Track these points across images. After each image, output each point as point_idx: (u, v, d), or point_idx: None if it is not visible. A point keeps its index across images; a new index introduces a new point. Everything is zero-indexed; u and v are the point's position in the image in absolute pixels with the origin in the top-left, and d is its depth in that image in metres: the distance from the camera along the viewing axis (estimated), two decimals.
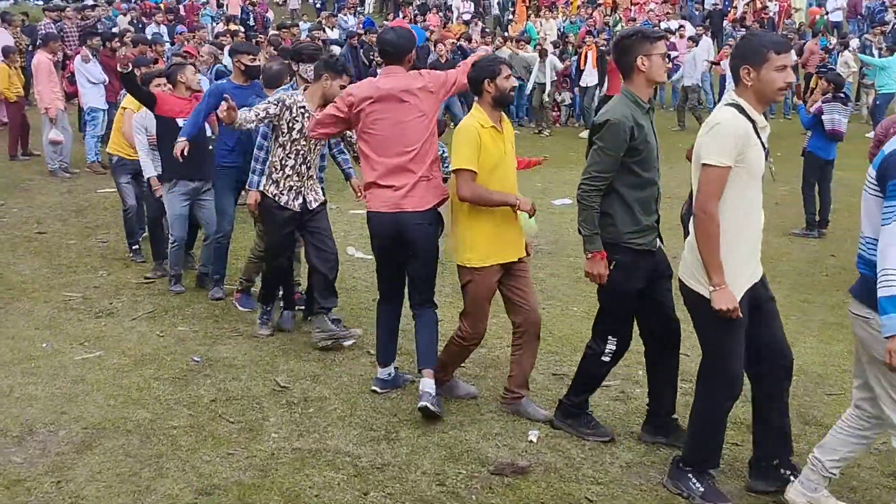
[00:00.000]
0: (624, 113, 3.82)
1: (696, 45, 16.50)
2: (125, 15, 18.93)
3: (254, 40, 13.98)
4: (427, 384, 4.36)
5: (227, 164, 6.14)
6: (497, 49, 15.66)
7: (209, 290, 6.45)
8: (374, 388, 4.73)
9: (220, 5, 22.42)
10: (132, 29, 15.99)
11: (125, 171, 7.09)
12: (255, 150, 5.71)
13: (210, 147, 6.34)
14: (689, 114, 15.88)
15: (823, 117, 8.82)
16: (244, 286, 6.14)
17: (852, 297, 3.35)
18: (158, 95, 6.23)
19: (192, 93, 6.38)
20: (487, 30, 19.15)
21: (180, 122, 6.18)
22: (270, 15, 22.58)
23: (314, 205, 5.26)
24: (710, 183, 3.37)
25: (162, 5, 21.07)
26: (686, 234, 3.73)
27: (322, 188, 5.44)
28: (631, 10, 23.99)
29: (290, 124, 5.05)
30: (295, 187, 5.15)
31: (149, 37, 14.11)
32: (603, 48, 15.68)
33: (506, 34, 18.84)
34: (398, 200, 4.33)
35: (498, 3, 25.62)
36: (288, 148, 5.10)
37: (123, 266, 7.25)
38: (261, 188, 5.27)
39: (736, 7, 23.91)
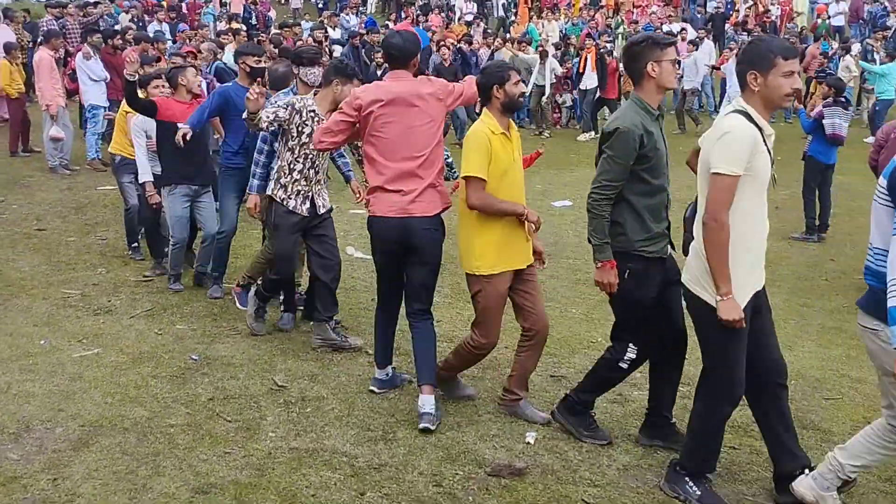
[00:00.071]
0: (633, 121, 3.81)
1: (697, 49, 16.50)
2: (127, 12, 18.93)
3: (255, 39, 13.98)
4: (427, 402, 4.32)
5: (232, 165, 6.14)
6: (496, 50, 15.67)
7: (207, 288, 6.45)
8: (371, 388, 4.73)
9: (222, 4, 22.41)
10: (134, 26, 16.00)
11: (128, 170, 7.08)
12: (255, 153, 5.72)
13: (212, 150, 6.34)
14: (687, 116, 15.88)
15: (824, 122, 8.82)
16: (245, 283, 6.11)
17: (860, 309, 3.33)
18: (158, 102, 6.18)
19: (193, 96, 6.37)
20: (489, 31, 19.12)
21: (181, 126, 6.18)
22: (272, 14, 22.60)
23: (322, 210, 5.25)
24: (720, 191, 3.34)
25: (164, 3, 21.09)
26: (690, 237, 3.71)
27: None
28: (633, 12, 23.99)
29: (300, 128, 5.03)
30: (303, 192, 5.13)
31: (151, 34, 14.10)
32: (603, 50, 15.67)
33: (507, 35, 18.82)
34: (406, 205, 4.28)
35: (503, 5, 25.62)
36: (297, 152, 5.08)
37: (122, 264, 7.24)
38: (268, 192, 5.24)
39: (738, 11, 23.90)
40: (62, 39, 12.75)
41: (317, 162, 5.16)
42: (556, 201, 10.37)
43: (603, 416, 4.55)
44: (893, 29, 20.71)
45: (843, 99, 9.04)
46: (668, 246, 4.00)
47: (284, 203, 5.11)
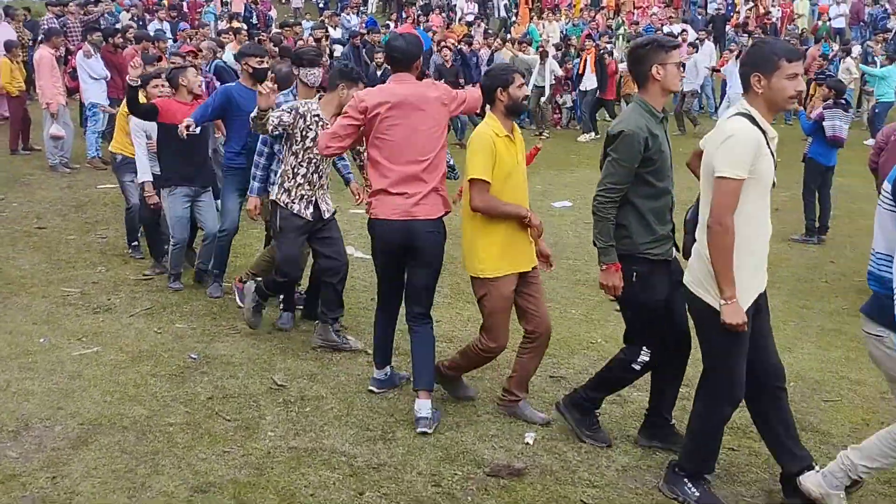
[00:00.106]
0: (638, 123, 3.81)
1: (697, 51, 16.50)
2: (127, 11, 18.92)
3: (256, 38, 13.98)
4: (423, 407, 4.32)
5: (235, 166, 6.13)
6: (496, 51, 15.68)
7: (207, 287, 6.45)
8: (370, 388, 4.74)
9: (223, 3, 22.40)
10: (134, 25, 15.99)
11: (129, 169, 7.06)
12: (255, 156, 5.71)
13: (212, 149, 6.32)
14: (686, 117, 15.88)
15: (824, 123, 8.82)
16: (248, 280, 6.08)
17: (864, 315, 3.33)
18: (159, 105, 6.17)
19: (194, 97, 6.36)
20: (490, 31, 19.12)
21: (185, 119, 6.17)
22: (273, 13, 22.59)
23: (327, 214, 5.24)
24: (725, 195, 3.33)
25: (165, 2, 21.08)
26: (691, 239, 3.71)
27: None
28: (634, 13, 24.00)
29: (304, 133, 5.01)
30: (307, 196, 5.11)
31: (151, 33, 14.09)
32: (603, 51, 15.67)
33: (508, 35, 18.82)
34: (409, 208, 4.27)
35: (504, 5, 25.62)
36: (300, 156, 5.06)
37: (122, 262, 7.24)
38: (272, 196, 5.22)
39: (739, 12, 23.91)
40: (63, 37, 12.74)
41: (321, 167, 5.14)
42: (556, 202, 10.37)
43: (602, 416, 4.53)
44: (894, 31, 20.72)
45: (843, 101, 9.04)
46: (673, 248, 4.00)
47: (288, 207, 5.09)
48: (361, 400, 4.65)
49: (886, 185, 3.24)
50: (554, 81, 15.82)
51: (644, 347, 4.01)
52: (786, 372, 3.77)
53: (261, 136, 5.66)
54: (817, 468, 3.64)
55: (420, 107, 4.29)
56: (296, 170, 5.08)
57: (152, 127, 6.38)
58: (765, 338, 3.65)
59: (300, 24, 17.96)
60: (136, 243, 7.39)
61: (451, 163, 4.88)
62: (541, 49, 16.28)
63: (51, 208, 9.05)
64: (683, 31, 19.25)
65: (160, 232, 6.89)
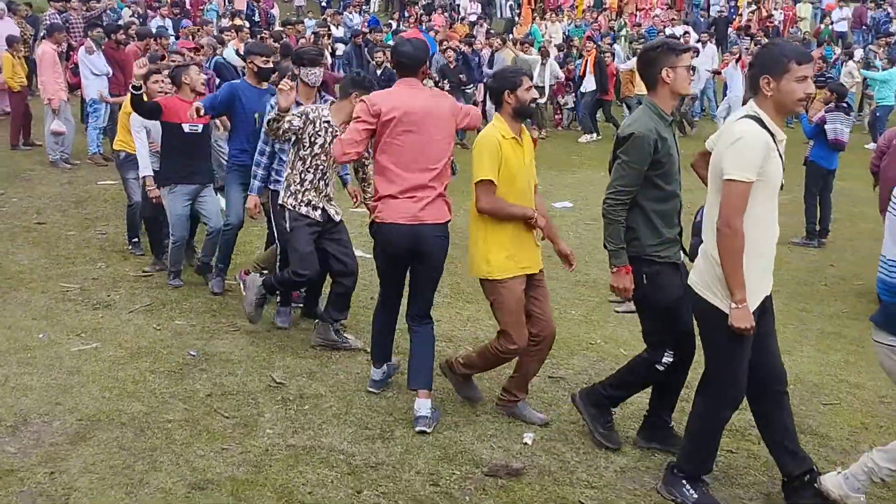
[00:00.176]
0: (648, 126, 3.81)
1: (697, 55, 16.48)
2: (129, 7, 18.91)
3: (258, 36, 13.98)
4: (422, 406, 4.32)
5: (240, 162, 6.11)
6: (497, 50, 15.68)
7: (209, 280, 6.43)
8: (369, 389, 4.71)
9: (227, 0, 22.38)
10: (136, 22, 15.98)
11: (132, 167, 7.04)
12: (256, 154, 5.70)
13: (214, 146, 6.32)
14: (683, 119, 15.87)
15: (826, 127, 8.82)
16: (256, 271, 6.05)
17: (874, 324, 3.32)
18: (163, 103, 6.16)
19: (196, 95, 6.36)
20: (493, 31, 19.12)
21: (186, 127, 6.17)
22: (275, 11, 22.57)
23: (336, 218, 5.22)
24: (734, 198, 3.32)
25: None
26: (698, 241, 3.69)
27: None
28: (636, 15, 23.99)
29: (313, 139, 4.99)
30: (313, 202, 5.08)
31: (153, 30, 14.09)
32: (603, 53, 15.65)
33: (510, 36, 18.82)
34: (417, 212, 4.27)
35: (510, 6, 25.62)
36: (308, 162, 5.04)
37: (122, 258, 7.24)
38: (279, 201, 5.18)
39: (741, 15, 23.90)
40: (65, 33, 12.73)
41: (327, 173, 5.11)
42: (557, 202, 10.36)
43: None
44: None
45: (844, 104, 9.05)
46: (681, 252, 4.00)
47: (296, 209, 5.07)
48: (360, 398, 4.64)
49: None
50: (554, 82, 15.82)
51: (668, 350, 3.97)
52: (787, 375, 3.76)
53: (262, 135, 5.65)
54: (839, 469, 3.63)
55: (433, 115, 4.30)
56: (303, 175, 5.05)
57: (152, 123, 6.37)
58: (769, 340, 3.64)
59: (302, 22, 17.96)
60: (136, 240, 7.39)
61: (453, 159, 4.87)
62: (542, 49, 16.27)
63: (51, 204, 9.04)
64: (685, 33, 19.24)
65: (161, 229, 6.88)
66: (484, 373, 5.01)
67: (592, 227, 8.92)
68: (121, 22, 14.78)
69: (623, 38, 20.05)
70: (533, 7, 24.30)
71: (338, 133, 4.90)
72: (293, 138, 5.02)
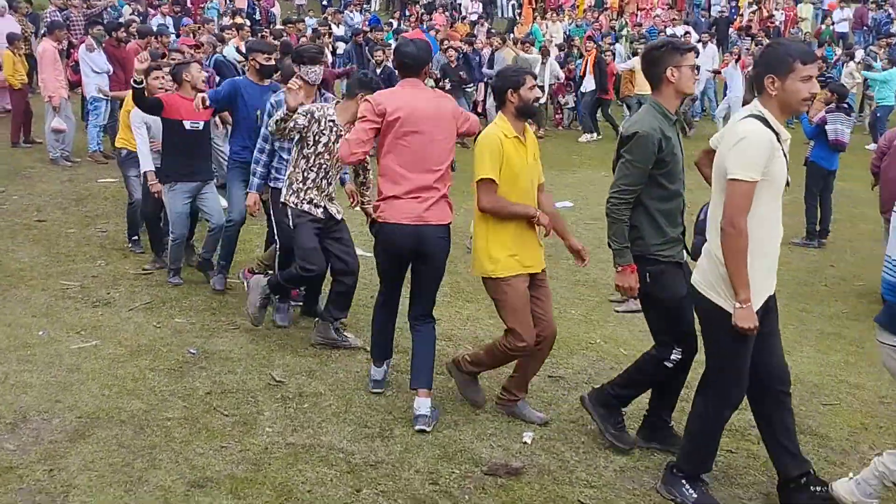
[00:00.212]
0: (652, 125, 3.81)
1: (697, 55, 16.49)
2: (129, 5, 18.91)
3: (259, 34, 13.97)
4: (422, 405, 4.31)
5: (241, 159, 6.11)
6: (497, 49, 15.69)
7: (211, 277, 6.43)
8: (373, 390, 4.67)
9: None
10: (137, 19, 15.98)
11: (134, 164, 7.02)
12: (255, 152, 5.70)
13: (215, 143, 6.31)
14: (683, 119, 15.90)
15: (827, 127, 8.82)
16: (260, 270, 6.03)
17: (878, 325, 3.31)
18: (164, 99, 6.16)
19: (197, 92, 6.35)
20: (493, 31, 19.11)
21: (187, 124, 6.16)
22: (276, 10, 22.56)
23: (338, 216, 5.22)
24: (738, 197, 3.31)
25: None
26: (701, 240, 3.69)
27: None
28: (637, 15, 23.99)
29: (317, 137, 4.98)
30: (315, 200, 5.08)
31: (154, 28, 14.09)
32: (603, 53, 15.64)
33: (511, 35, 18.82)
34: (422, 213, 4.27)
35: (512, 5, 25.61)
36: (311, 161, 5.03)
37: (122, 256, 7.24)
38: (281, 199, 5.17)
39: (742, 15, 23.89)
40: (66, 31, 12.72)
41: (330, 173, 5.11)
42: (557, 202, 10.31)
43: None
44: None
45: (845, 105, 9.04)
46: (683, 251, 4.00)
47: (298, 206, 5.06)
48: (360, 397, 4.64)
49: None
50: (554, 81, 15.82)
51: (676, 346, 3.96)
52: (790, 376, 3.74)
53: (262, 133, 5.65)
54: (851, 475, 3.61)
55: (436, 117, 4.31)
56: (306, 174, 5.05)
57: (153, 119, 6.38)
58: (772, 339, 3.63)
59: (303, 20, 17.95)
60: (136, 238, 7.39)
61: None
62: (543, 48, 16.28)
63: (51, 201, 9.04)
64: (686, 33, 19.26)
65: (161, 227, 6.88)
66: (483, 373, 5.03)
67: (593, 227, 8.93)
68: (121, 20, 14.78)
69: (624, 38, 20.05)
70: (534, 6, 24.29)
71: (342, 133, 4.89)
72: (297, 136, 5.02)
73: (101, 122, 11.10)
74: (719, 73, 16.36)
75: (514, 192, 4.20)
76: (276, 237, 5.60)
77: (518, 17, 24.57)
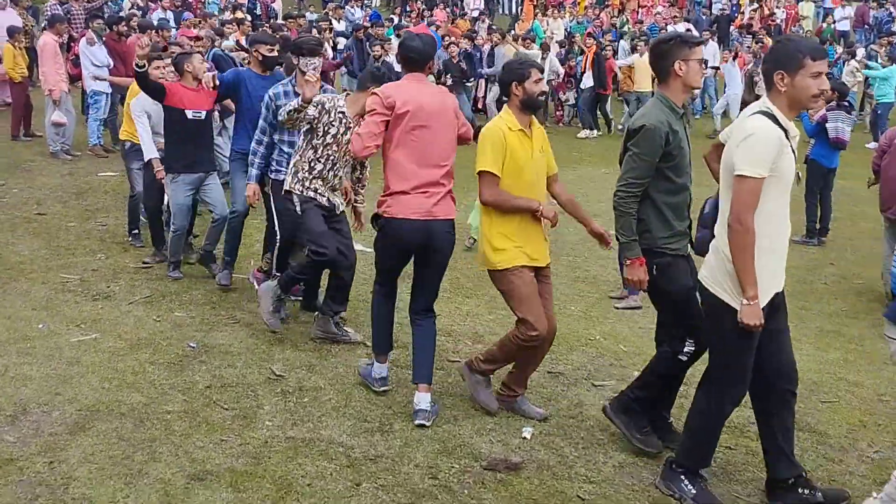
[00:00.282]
0: (659, 118, 3.80)
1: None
2: None
3: (259, 29, 13.95)
4: (422, 400, 4.31)
5: (244, 150, 6.09)
6: (496, 45, 15.69)
7: (214, 271, 6.42)
8: (380, 389, 4.63)
9: None
10: (137, 13, 15.96)
11: (137, 157, 7.02)
12: (253, 143, 5.69)
13: (216, 133, 6.32)
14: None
15: (827, 125, 8.81)
16: (268, 268, 6.02)
17: (887, 320, 3.31)
18: (167, 86, 6.18)
19: (199, 83, 6.35)
20: (494, 27, 19.09)
21: (189, 113, 6.16)
22: (277, 5, 22.52)
23: (339, 209, 5.22)
24: (745, 194, 3.30)
25: None
26: (710, 234, 3.68)
27: None
28: (638, 12, 23.96)
29: (326, 128, 4.97)
30: (319, 191, 5.07)
31: (155, 22, 14.07)
32: (603, 50, 15.63)
33: (512, 32, 18.80)
34: (430, 208, 4.26)
35: (515, 2, 25.56)
36: (319, 151, 5.02)
37: (122, 250, 7.24)
38: (286, 187, 5.16)
39: (743, 13, 23.87)
40: (66, 24, 12.71)
41: (337, 165, 5.09)
42: None
43: (600, 413, 4.53)
44: None
45: (846, 103, 9.04)
46: (689, 245, 3.99)
47: (304, 193, 5.05)
48: (359, 391, 4.64)
49: None
50: (553, 77, 15.82)
51: (689, 339, 3.94)
52: (798, 376, 3.72)
53: (260, 125, 5.63)
54: (874, 495, 3.56)
55: (441, 112, 4.31)
56: (313, 164, 5.04)
57: (152, 107, 6.39)
58: (781, 337, 3.63)
59: (304, 16, 17.94)
60: (136, 231, 7.39)
61: None
62: (543, 45, 16.28)
63: (51, 195, 9.04)
64: (687, 30, 19.22)
65: (162, 220, 6.89)
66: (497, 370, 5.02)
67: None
68: (122, 14, 14.77)
69: (625, 36, 20.03)
70: (535, 3, 24.25)
71: (351, 125, 4.89)
72: (307, 126, 5.01)
73: (101, 115, 11.10)
74: (717, 68, 16.36)
75: (519, 185, 4.19)
76: (276, 230, 5.58)
77: (519, 14, 24.54)
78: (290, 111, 4.88)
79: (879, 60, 16.10)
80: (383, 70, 5.28)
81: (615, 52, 16.54)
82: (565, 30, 20.46)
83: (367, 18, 19.57)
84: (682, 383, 4.20)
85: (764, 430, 3.74)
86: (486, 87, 15.99)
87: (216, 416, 4.27)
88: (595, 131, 15.43)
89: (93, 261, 6.90)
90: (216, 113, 6.85)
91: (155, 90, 6.13)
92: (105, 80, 10.75)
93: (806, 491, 3.66)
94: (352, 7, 21.54)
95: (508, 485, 3.78)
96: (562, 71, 15.99)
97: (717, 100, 17.39)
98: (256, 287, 5.96)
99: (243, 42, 11.32)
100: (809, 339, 6.17)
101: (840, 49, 19.14)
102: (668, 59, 3.85)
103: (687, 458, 3.72)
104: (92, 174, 10.11)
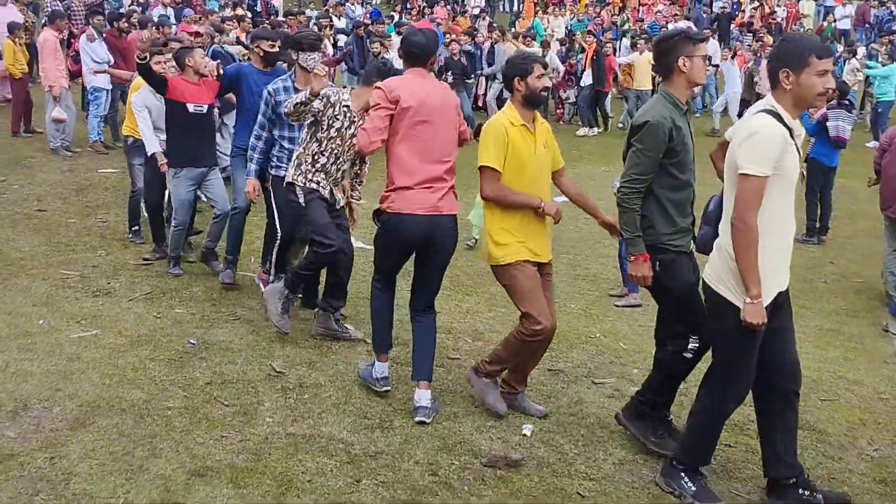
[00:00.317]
0: (663, 114, 3.80)
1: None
2: None
3: (259, 26, 13.95)
4: (423, 397, 4.32)
5: (246, 146, 6.09)
6: (496, 43, 15.68)
7: (216, 268, 6.42)
8: (382, 389, 4.59)
9: None
10: (137, 10, 15.95)
11: (140, 152, 7.02)
12: (252, 139, 5.69)
13: (219, 128, 6.32)
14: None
15: (828, 124, 8.82)
16: (267, 275, 6.03)
17: (893, 318, 3.30)
18: (169, 79, 6.20)
19: (201, 77, 6.35)
20: (495, 24, 19.08)
21: (190, 107, 6.17)
22: (277, 2, 22.50)
23: (340, 203, 5.21)
24: (748, 192, 3.29)
25: None
26: (712, 232, 3.68)
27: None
28: (639, 10, 23.94)
29: (331, 121, 4.96)
30: (321, 183, 5.05)
31: (155, 18, 14.06)
32: (603, 47, 15.63)
33: (512, 29, 18.81)
34: (435, 203, 4.26)
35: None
36: (323, 145, 5.01)
37: (122, 246, 7.24)
38: (288, 178, 5.14)
39: (744, 11, 23.86)
40: (67, 21, 12.70)
41: (340, 160, 5.07)
42: (557, 196, 10.32)
43: (599, 410, 4.56)
44: None
45: (846, 101, 9.04)
46: (692, 241, 3.99)
47: (307, 185, 5.03)
48: (360, 388, 4.65)
49: None
50: (553, 74, 15.81)
51: (692, 335, 3.93)
52: (801, 376, 3.71)
53: (259, 120, 5.63)
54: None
55: (443, 108, 4.31)
56: (316, 157, 5.02)
57: (153, 102, 6.39)
58: (785, 336, 3.61)
59: (304, 13, 17.92)
60: (137, 228, 7.39)
61: None
62: (544, 42, 16.27)
63: (51, 191, 9.04)
64: (688, 28, 19.19)
65: (163, 217, 6.89)
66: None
67: (592, 222, 8.88)
68: (122, 10, 14.76)
69: (625, 34, 20.02)
70: (536, 1, 24.24)
71: (355, 119, 4.89)
72: (311, 119, 5.01)
73: (101, 112, 11.09)
74: (717, 66, 16.35)
75: (521, 180, 4.19)
76: (277, 226, 5.58)
77: (520, 11, 24.53)
78: (297, 104, 4.85)
79: (880, 59, 16.10)
80: (389, 65, 5.27)
81: (615, 51, 16.52)
82: (566, 27, 20.46)
83: (368, 15, 19.54)
84: (683, 380, 4.20)
85: (764, 429, 3.74)
86: (487, 84, 15.99)
87: (216, 413, 4.28)
88: (594, 129, 15.44)
89: (93, 257, 6.91)
90: (215, 109, 6.84)
91: (157, 82, 6.15)
92: (105, 72, 10.74)
93: (807, 492, 3.66)
94: (352, 4, 21.52)
95: (508, 481, 3.78)
96: (562, 69, 15.98)
97: (717, 97, 17.40)
98: (263, 289, 5.96)
99: (244, 39, 11.32)
100: (809, 338, 6.18)
101: (841, 48, 19.13)
102: (672, 55, 3.85)
103: (687, 455, 3.72)
104: (92, 171, 10.11)
